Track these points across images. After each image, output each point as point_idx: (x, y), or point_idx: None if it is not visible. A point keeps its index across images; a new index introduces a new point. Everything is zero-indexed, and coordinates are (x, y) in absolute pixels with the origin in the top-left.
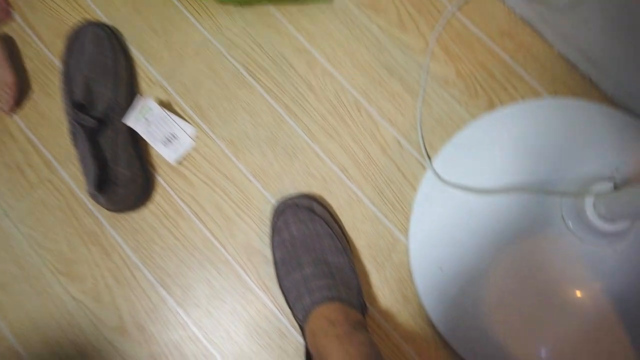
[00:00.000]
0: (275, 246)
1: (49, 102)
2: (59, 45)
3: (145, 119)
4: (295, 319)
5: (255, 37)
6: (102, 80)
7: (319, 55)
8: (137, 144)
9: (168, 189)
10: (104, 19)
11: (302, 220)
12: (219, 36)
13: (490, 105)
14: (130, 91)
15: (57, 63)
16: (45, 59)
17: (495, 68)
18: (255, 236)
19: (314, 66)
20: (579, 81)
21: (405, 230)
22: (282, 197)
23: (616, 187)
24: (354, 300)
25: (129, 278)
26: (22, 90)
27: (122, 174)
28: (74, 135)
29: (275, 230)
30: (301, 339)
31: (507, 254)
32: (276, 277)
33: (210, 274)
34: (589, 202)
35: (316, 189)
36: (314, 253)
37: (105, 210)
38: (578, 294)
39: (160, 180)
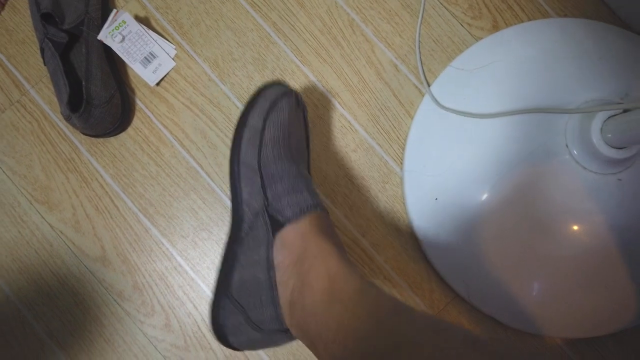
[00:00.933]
0: (269, 123)
1: (17, 18)
2: None
3: (121, 35)
4: (267, 211)
5: None
6: None
7: None
8: (113, 62)
9: (148, 113)
10: None
11: (299, 117)
12: None
13: (495, 27)
14: (103, 4)
15: None
16: None
17: None
18: None
19: None
20: (591, 2)
21: (400, 160)
22: (276, 81)
23: (626, 111)
24: None
25: (110, 207)
26: None
27: (96, 94)
28: (43, 52)
29: (276, 107)
30: None
31: (506, 184)
32: (257, 158)
33: (196, 203)
34: (595, 126)
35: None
36: (303, 155)
37: (82, 136)
38: (578, 225)
39: (139, 103)
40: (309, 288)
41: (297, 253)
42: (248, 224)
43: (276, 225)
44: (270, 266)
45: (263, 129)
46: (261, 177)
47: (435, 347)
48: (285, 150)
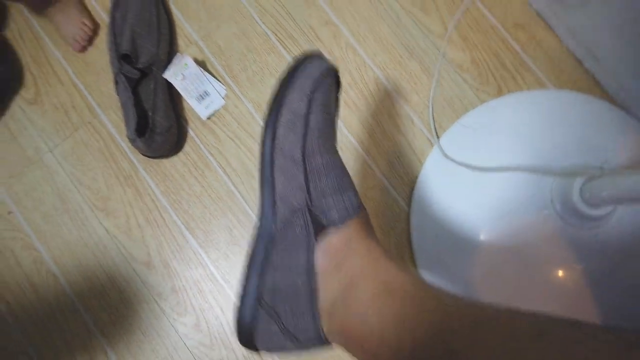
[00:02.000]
0: (315, 104)
1: (94, 52)
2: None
3: (182, 74)
4: (310, 211)
5: (286, 6)
6: (147, 35)
7: (344, 28)
8: (173, 97)
9: (198, 141)
10: None
11: (334, 99)
12: (253, 3)
13: (499, 93)
14: (170, 48)
15: (102, 14)
16: (92, 9)
17: (507, 58)
18: None
19: (339, 39)
20: (584, 77)
21: (409, 201)
22: (318, 54)
23: (602, 172)
24: None
25: (158, 219)
26: (94, 31)
27: (159, 123)
28: (117, 84)
29: (320, 87)
30: None
31: (498, 228)
32: (301, 144)
33: (231, 222)
34: (576, 186)
35: None
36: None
37: (141, 156)
38: (557, 271)
39: (191, 132)
40: (355, 291)
41: (339, 258)
42: (282, 221)
43: (319, 227)
44: (311, 273)
45: (308, 112)
46: (305, 171)
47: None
48: (330, 140)
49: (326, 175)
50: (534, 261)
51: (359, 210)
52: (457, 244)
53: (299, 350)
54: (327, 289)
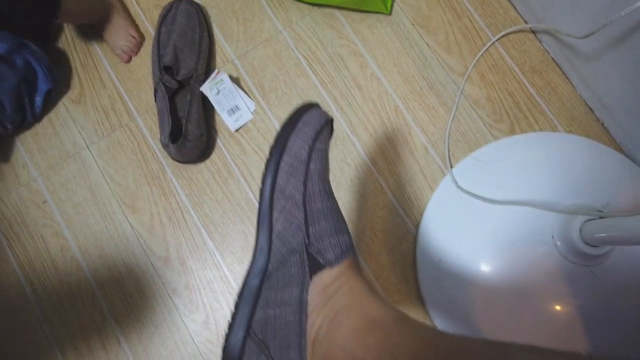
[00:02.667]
0: (315, 153)
1: (138, 61)
2: (154, 13)
3: (217, 89)
4: (307, 251)
5: (319, 35)
6: (188, 52)
7: (370, 60)
8: (206, 108)
9: (224, 151)
10: None
11: (329, 147)
12: (288, 29)
13: (511, 131)
14: (208, 64)
15: (149, 28)
16: (141, 23)
17: (522, 99)
18: None
19: (365, 69)
20: (593, 124)
21: (416, 224)
22: (314, 103)
23: (601, 215)
24: None
25: (180, 219)
26: (140, 43)
27: (191, 131)
28: (155, 92)
29: (320, 136)
30: None
31: (499, 259)
32: (304, 188)
33: (247, 229)
34: (576, 225)
35: (348, 176)
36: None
37: (170, 160)
38: (553, 304)
39: (219, 142)
40: (339, 324)
41: (329, 293)
42: (279, 259)
43: (315, 266)
44: (303, 309)
45: (309, 159)
46: (305, 214)
47: None
48: (328, 185)
49: (325, 219)
50: (532, 293)
51: (352, 251)
52: (459, 270)
53: None
54: (315, 323)
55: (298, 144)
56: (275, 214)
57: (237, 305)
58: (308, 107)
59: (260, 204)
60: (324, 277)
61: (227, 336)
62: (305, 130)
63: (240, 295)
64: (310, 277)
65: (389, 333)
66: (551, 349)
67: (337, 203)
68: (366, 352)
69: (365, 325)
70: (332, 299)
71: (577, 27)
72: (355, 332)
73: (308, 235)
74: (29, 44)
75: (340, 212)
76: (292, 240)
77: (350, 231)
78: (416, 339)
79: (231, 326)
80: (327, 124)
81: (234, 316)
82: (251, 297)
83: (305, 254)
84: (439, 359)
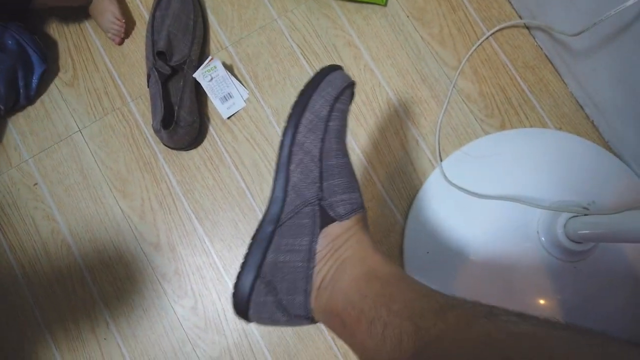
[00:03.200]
0: (335, 112)
1: (132, 45)
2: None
3: (210, 76)
4: (320, 204)
5: (314, 25)
6: (182, 37)
7: (365, 51)
8: (199, 95)
9: (216, 138)
10: None
11: (349, 109)
12: (283, 17)
13: (502, 126)
14: (202, 50)
15: (144, 12)
16: (136, 6)
17: (514, 95)
18: None
19: (359, 60)
20: (583, 121)
21: (404, 215)
22: (339, 66)
23: (586, 211)
24: None
25: (171, 205)
26: (128, 24)
27: (183, 118)
28: (149, 78)
29: (341, 97)
30: None
31: (485, 252)
32: (319, 144)
33: (238, 217)
34: (560, 221)
35: None
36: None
37: (162, 146)
38: (537, 298)
39: (211, 129)
40: (342, 273)
41: (336, 245)
42: (292, 209)
43: (326, 219)
44: (311, 257)
45: (328, 118)
46: (320, 169)
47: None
48: (344, 144)
49: (339, 176)
50: (517, 286)
51: (362, 208)
52: (445, 263)
53: (287, 324)
54: (321, 271)
55: (320, 102)
56: (292, 167)
57: (250, 248)
58: (332, 69)
59: (279, 155)
60: (333, 230)
61: (239, 275)
62: (328, 90)
63: (254, 238)
64: (321, 228)
65: (386, 285)
66: (535, 315)
67: (350, 162)
68: (364, 300)
69: (365, 276)
70: (338, 250)
71: (569, 24)
72: (356, 281)
73: (322, 189)
74: (13, 24)
75: (353, 171)
76: (306, 192)
77: None
78: (410, 292)
79: (243, 266)
80: (349, 87)
81: (246, 257)
82: (264, 241)
83: (317, 206)
84: (431, 311)
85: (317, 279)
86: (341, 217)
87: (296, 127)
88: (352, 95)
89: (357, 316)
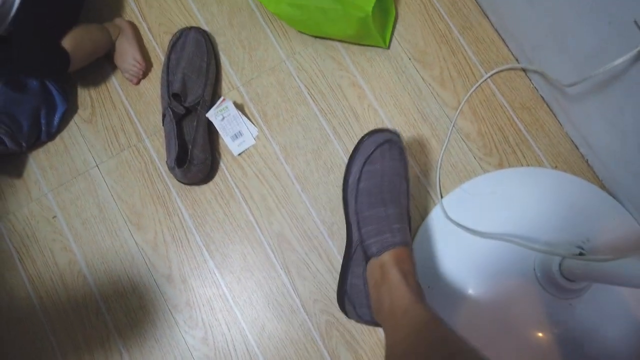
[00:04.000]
0: (365, 175)
1: (148, 84)
2: (165, 39)
3: (222, 115)
4: (362, 245)
5: (320, 66)
6: (196, 79)
7: (368, 91)
8: (211, 133)
9: (227, 174)
10: (204, 25)
11: (394, 158)
12: (291, 59)
13: (500, 164)
14: (214, 90)
15: (160, 53)
16: (152, 48)
17: (511, 134)
18: (287, 227)
19: (363, 100)
20: (578, 161)
21: None
22: (378, 129)
23: (582, 254)
24: (411, 245)
25: (183, 238)
26: (147, 67)
27: (197, 156)
28: (164, 117)
29: (369, 159)
30: (306, 317)
31: (484, 288)
32: (349, 199)
33: (246, 249)
34: (556, 261)
35: None
36: (395, 193)
37: (175, 181)
38: (533, 333)
39: (222, 165)
40: (381, 304)
41: (376, 278)
42: (354, 248)
43: (367, 256)
44: (365, 282)
45: (359, 180)
46: (357, 220)
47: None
48: (376, 197)
49: (370, 223)
50: (514, 321)
51: (392, 246)
52: (446, 297)
53: (365, 324)
54: (373, 296)
55: (355, 167)
56: (350, 219)
57: (342, 270)
58: (367, 135)
59: (344, 212)
60: (372, 265)
61: (338, 294)
62: (359, 158)
63: (343, 265)
64: (366, 262)
65: (396, 321)
66: None
67: (386, 208)
68: (392, 331)
69: (390, 309)
70: (379, 284)
71: (563, 71)
72: (388, 312)
73: (361, 235)
74: None
75: (388, 216)
76: (356, 237)
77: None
78: (415, 328)
79: (339, 287)
80: (381, 145)
81: (341, 277)
82: (345, 270)
83: (360, 247)
84: (427, 349)
85: (372, 300)
86: (373, 255)
87: (345, 190)
88: (390, 147)
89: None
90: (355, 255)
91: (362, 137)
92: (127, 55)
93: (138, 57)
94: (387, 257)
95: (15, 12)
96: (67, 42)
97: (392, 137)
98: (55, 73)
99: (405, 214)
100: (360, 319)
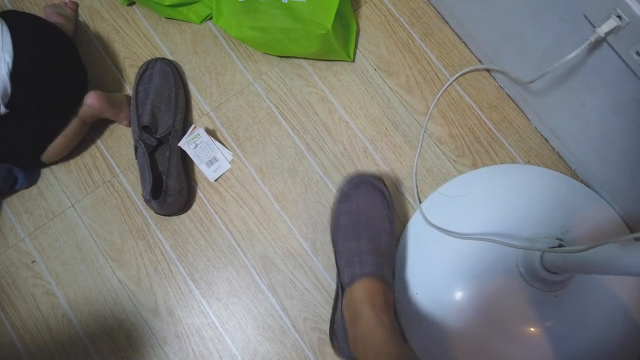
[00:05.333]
0: (342, 212)
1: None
2: (131, 72)
3: (194, 143)
4: (338, 278)
5: (288, 84)
6: (165, 109)
7: (338, 105)
8: (185, 162)
9: (205, 201)
10: (168, 55)
11: (372, 199)
12: (259, 80)
13: (474, 164)
14: (185, 119)
15: (127, 87)
16: (118, 82)
17: (482, 134)
18: (270, 248)
19: (333, 114)
20: (549, 154)
21: None
22: (358, 172)
23: (561, 246)
24: (391, 281)
25: (166, 270)
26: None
27: (172, 186)
28: (136, 150)
29: (346, 199)
30: (297, 337)
31: (470, 288)
32: (333, 237)
33: (231, 274)
34: (536, 255)
35: (324, 217)
36: (372, 230)
37: (153, 213)
38: (522, 328)
39: (199, 193)
40: (356, 342)
41: (351, 314)
42: (337, 283)
43: (343, 287)
44: (342, 317)
45: (338, 217)
46: (335, 254)
47: None
48: (351, 231)
49: (343, 256)
50: (503, 318)
51: (359, 277)
52: (434, 302)
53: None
54: (349, 330)
55: (335, 207)
56: (334, 255)
57: (332, 309)
58: (349, 178)
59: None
60: (347, 299)
61: (329, 332)
62: (341, 199)
63: (333, 303)
64: (342, 295)
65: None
66: None
67: (358, 242)
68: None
69: (363, 343)
70: (354, 318)
71: (523, 69)
72: (360, 346)
73: (338, 267)
74: None
75: (360, 250)
76: (337, 270)
77: (329, 270)
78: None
79: (330, 320)
80: (357, 187)
81: (331, 315)
82: (335, 304)
83: (338, 279)
84: None
85: (349, 335)
86: (347, 285)
87: (331, 231)
88: (373, 189)
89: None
90: (338, 291)
91: (345, 180)
92: (120, 119)
93: (125, 99)
94: (358, 290)
95: None
96: (48, 157)
97: (372, 179)
98: (27, 165)
99: (384, 252)
100: (343, 355)
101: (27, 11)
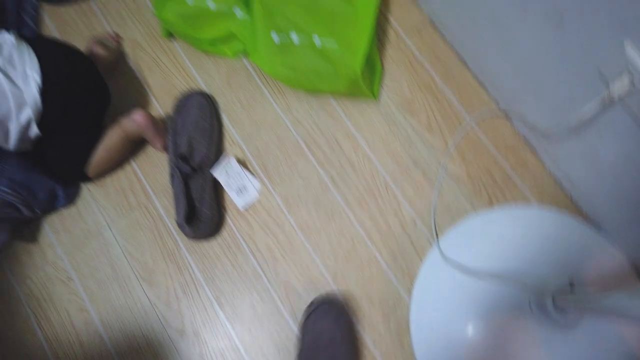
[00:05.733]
0: (304, 337)
1: (154, 149)
2: (167, 101)
3: (226, 172)
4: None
5: (315, 119)
6: (201, 140)
7: (362, 141)
8: (217, 190)
9: (233, 227)
10: (203, 86)
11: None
12: (288, 114)
13: (489, 203)
14: (218, 149)
15: (162, 113)
16: (154, 109)
17: (498, 175)
18: (294, 276)
19: (357, 149)
20: (562, 196)
21: (409, 292)
22: (321, 296)
23: (572, 288)
24: None
25: (194, 292)
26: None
27: (204, 213)
28: (172, 177)
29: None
30: None
31: (483, 324)
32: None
33: (255, 299)
34: (549, 296)
35: (345, 248)
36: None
37: (184, 236)
38: None
39: (228, 219)
40: None
41: None
42: None
43: None
44: None
45: (303, 338)
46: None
47: None
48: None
49: None
50: (515, 355)
51: None
52: (449, 336)
53: None
54: None
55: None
56: None
57: None
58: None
59: None
60: None
61: None
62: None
63: None
64: None
65: None
66: None
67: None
68: None
69: None
70: None
71: (541, 116)
72: None
73: None
74: None
75: None
76: None
77: (350, 303)
78: None
79: None
80: (319, 307)
81: None
82: None
83: None
84: None
85: None
86: None
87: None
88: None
89: None
90: None
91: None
92: (156, 142)
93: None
94: None
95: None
96: (92, 171)
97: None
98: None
99: None
100: None
101: (72, 42)
